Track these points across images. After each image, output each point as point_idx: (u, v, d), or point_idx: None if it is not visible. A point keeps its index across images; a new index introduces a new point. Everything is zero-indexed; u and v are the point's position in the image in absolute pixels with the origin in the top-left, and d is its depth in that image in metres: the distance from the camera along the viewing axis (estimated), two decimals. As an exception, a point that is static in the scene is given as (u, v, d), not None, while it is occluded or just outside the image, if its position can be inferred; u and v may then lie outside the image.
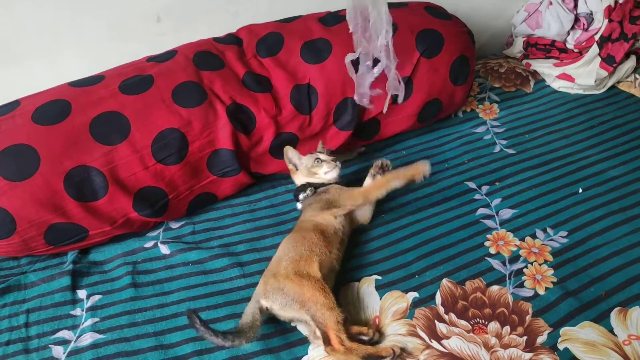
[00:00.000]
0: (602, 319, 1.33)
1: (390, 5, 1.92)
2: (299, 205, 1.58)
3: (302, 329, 1.34)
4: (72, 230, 1.48)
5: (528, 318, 1.34)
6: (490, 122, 2.03)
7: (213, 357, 1.28)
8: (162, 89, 1.59)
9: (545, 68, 2.24)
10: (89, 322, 1.36)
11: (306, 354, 1.29)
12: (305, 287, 1.28)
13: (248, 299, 1.36)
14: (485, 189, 1.74)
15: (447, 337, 1.30)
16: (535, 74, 2.29)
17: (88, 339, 1.32)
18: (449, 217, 1.64)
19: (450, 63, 1.86)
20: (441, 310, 1.37)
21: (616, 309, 1.35)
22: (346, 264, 1.49)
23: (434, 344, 1.29)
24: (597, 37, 2.13)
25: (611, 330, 1.30)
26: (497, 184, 1.75)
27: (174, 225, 1.64)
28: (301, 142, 1.73)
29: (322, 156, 1.60)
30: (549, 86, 2.23)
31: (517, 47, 2.39)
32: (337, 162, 1.59)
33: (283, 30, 1.83)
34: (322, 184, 1.58)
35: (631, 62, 2.16)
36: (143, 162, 1.52)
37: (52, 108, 1.52)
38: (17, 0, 1.67)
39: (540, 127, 2.01)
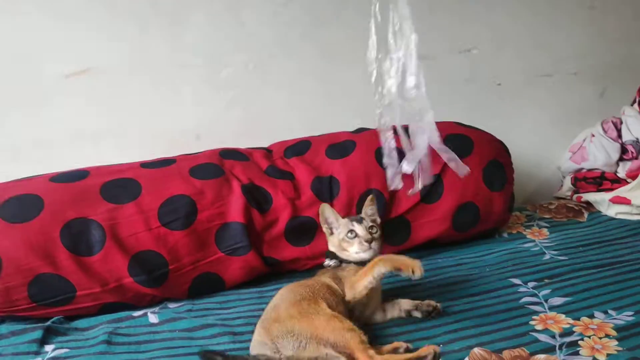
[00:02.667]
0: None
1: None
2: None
3: None
4: (58, 285, 1.37)
5: (586, 380, 1.01)
6: (539, 242, 1.83)
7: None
8: (181, 167, 1.61)
9: (598, 196, 2.08)
10: (47, 370, 1.17)
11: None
12: (316, 321, 1.10)
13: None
14: (531, 284, 1.49)
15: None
16: (589, 206, 2.12)
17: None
18: (488, 303, 1.39)
19: (483, 166, 1.78)
20: (469, 373, 1.07)
21: None
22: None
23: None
24: (648, 159, 2.01)
25: None
26: (545, 281, 1.51)
27: (172, 305, 1.48)
28: (320, 228, 1.62)
29: (359, 228, 1.34)
30: (605, 215, 2.04)
31: (566, 186, 2.28)
32: (373, 244, 1.33)
33: (312, 138, 1.87)
34: (349, 262, 1.36)
35: (694, 184, 1.97)
36: (147, 223, 1.45)
37: (71, 173, 1.55)
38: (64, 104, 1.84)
39: (597, 242, 1.79)
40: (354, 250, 1.34)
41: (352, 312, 1.28)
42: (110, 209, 1.45)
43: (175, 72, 1.95)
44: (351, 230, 1.34)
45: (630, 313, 1.26)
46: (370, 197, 1.44)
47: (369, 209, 1.42)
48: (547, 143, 2.44)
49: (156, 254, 1.45)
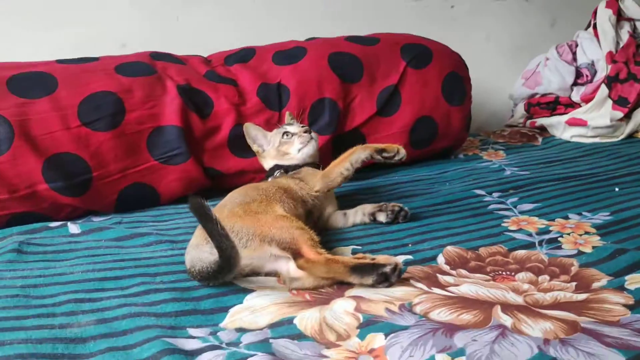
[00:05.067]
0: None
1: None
2: None
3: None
4: (-46, 190, 1.13)
5: (574, 269, 0.91)
6: (497, 161, 1.74)
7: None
8: (105, 64, 1.38)
9: (553, 119, 2.02)
10: None
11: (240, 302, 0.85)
12: (262, 219, 0.94)
13: (173, 271, 0.96)
14: (496, 194, 1.38)
15: (456, 285, 0.86)
16: (543, 131, 2.06)
17: None
18: (454, 210, 1.27)
19: (442, 78, 1.66)
20: (446, 267, 0.94)
21: None
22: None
23: (436, 290, 0.85)
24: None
25: None
26: (511, 191, 1.40)
27: (97, 218, 1.27)
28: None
29: (292, 128, 1.24)
30: (559, 138, 1.98)
31: (519, 113, 2.20)
32: (313, 134, 1.25)
33: (257, 47, 1.68)
34: (297, 166, 1.23)
35: (647, 107, 1.93)
36: (65, 121, 1.23)
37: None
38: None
39: (555, 161, 1.71)
40: (296, 148, 1.22)
41: (310, 215, 1.13)
42: (18, 103, 1.21)
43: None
44: (285, 132, 1.23)
45: (607, 213, 1.18)
46: (287, 113, 1.36)
47: (290, 124, 1.30)
48: (498, 72, 2.35)
49: (76, 157, 1.23)
